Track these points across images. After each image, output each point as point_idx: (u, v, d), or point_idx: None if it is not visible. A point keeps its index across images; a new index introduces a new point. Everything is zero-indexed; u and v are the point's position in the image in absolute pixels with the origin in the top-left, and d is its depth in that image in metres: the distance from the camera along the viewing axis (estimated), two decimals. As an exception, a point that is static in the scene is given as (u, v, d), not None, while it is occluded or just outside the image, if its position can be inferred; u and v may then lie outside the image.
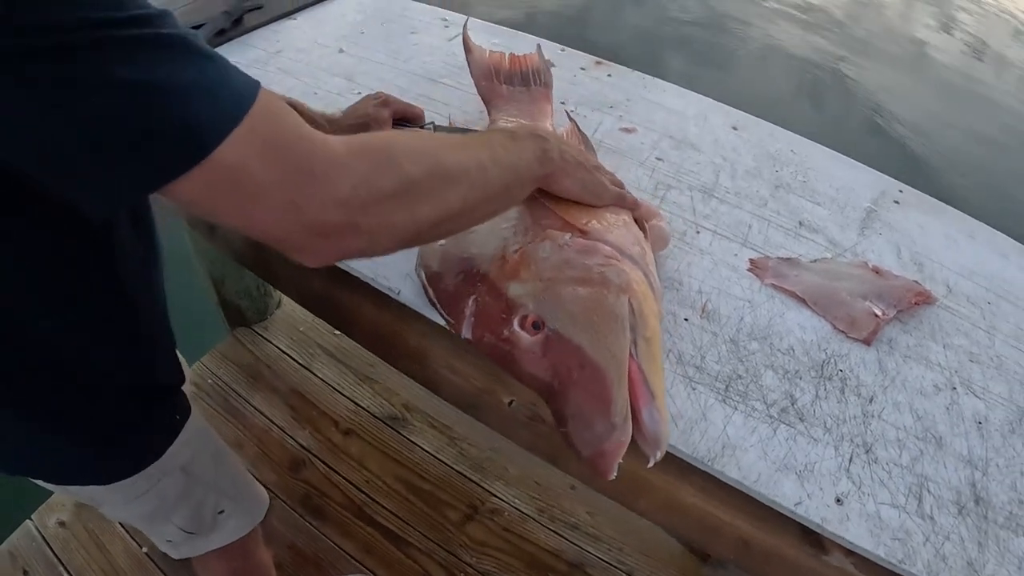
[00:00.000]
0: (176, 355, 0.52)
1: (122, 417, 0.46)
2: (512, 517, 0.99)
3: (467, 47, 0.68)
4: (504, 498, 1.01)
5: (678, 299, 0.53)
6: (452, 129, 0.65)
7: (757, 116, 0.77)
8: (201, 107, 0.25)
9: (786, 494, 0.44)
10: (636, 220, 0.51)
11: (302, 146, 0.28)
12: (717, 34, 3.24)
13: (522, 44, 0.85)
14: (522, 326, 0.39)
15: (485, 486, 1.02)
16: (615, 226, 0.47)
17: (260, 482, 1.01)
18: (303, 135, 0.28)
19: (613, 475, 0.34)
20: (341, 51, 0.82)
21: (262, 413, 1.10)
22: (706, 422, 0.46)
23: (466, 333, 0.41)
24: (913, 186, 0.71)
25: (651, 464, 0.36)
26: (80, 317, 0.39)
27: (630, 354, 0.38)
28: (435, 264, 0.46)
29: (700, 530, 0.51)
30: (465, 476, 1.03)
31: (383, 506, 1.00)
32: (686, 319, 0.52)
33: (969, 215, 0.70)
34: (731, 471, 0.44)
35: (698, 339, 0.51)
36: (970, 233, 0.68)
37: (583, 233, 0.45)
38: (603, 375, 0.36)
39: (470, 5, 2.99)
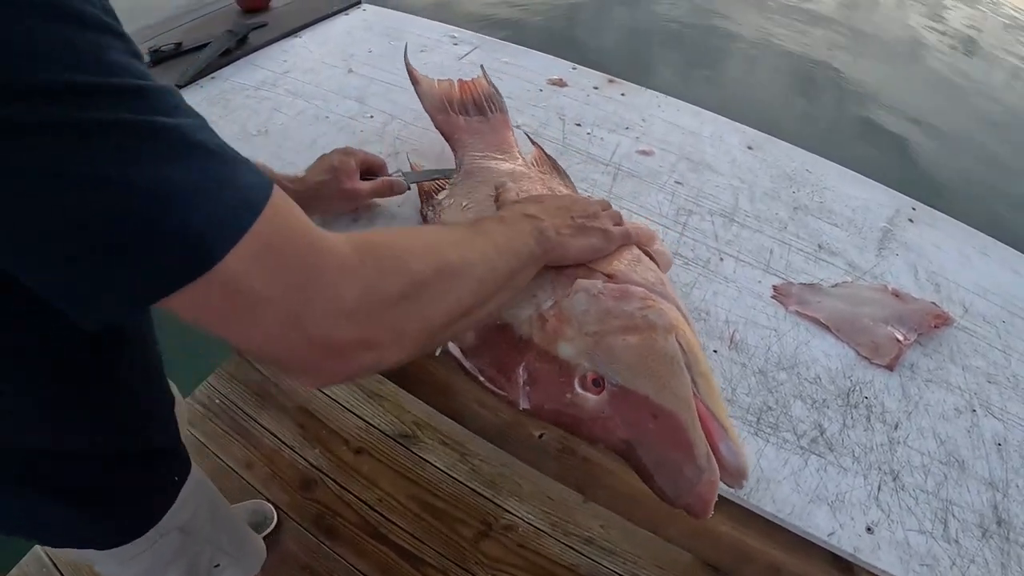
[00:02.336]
0: (173, 415, 0.50)
1: (120, 485, 0.44)
2: (526, 533, 0.99)
3: (413, 78, 0.65)
4: (517, 514, 1.01)
5: (706, 330, 0.53)
6: (421, 173, 0.62)
7: (752, 117, 0.78)
8: (204, 214, 0.22)
9: (819, 525, 0.44)
10: (641, 249, 0.50)
11: (312, 251, 0.25)
12: (707, 35, 3.24)
13: (532, 62, 0.85)
14: (583, 386, 0.38)
15: (498, 502, 1.02)
16: (634, 263, 0.46)
17: (271, 502, 1.01)
18: (312, 239, 0.26)
19: (711, 514, 0.34)
20: (350, 71, 0.81)
21: (271, 432, 1.08)
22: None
23: (524, 404, 0.39)
24: (911, 187, 0.73)
25: (736, 492, 0.37)
26: (80, 407, 0.38)
27: (693, 392, 0.37)
28: (469, 337, 0.44)
29: (732, 557, 0.51)
30: (478, 493, 1.03)
31: (397, 524, 0.99)
32: (715, 351, 0.52)
33: (967, 213, 0.72)
34: (766, 505, 0.45)
35: (728, 371, 0.51)
36: (983, 250, 0.69)
37: (610, 277, 0.44)
38: (678, 421, 0.36)
39: (457, 14, 2.96)
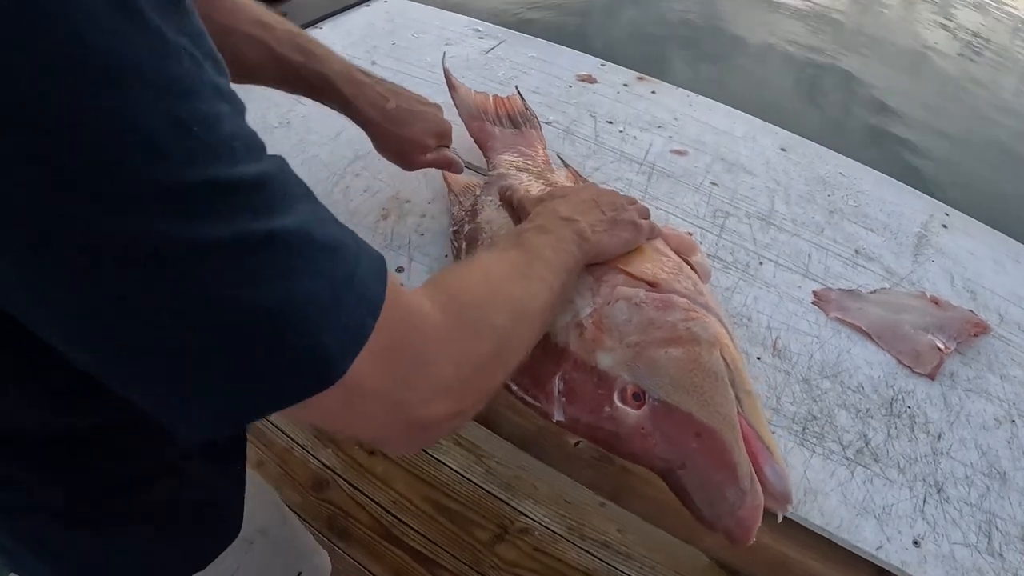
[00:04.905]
0: None
1: (200, 484, 0.41)
2: (543, 536, 0.98)
3: (450, 84, 0.64)
4: (534, 517, 1.00)
5: (748, 336, 0.52)
6: (478, 167, 0.60)
7: (760, 115, 0.77)
8: (329, 327, 0.20)
9: (867, 538, 0.44)
10: (683, 258, 0.49)
11: (410, 325, 0.24)
12: (717, 33, 3.23)
13: (560, 57, 0.83)
14: (623, 400, 0.36)
15: (514, 505, 1.01)
16: (677, 272, 0.45)
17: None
18: (409, 310, 0.24)
19: (752, 540, 0.33)
20: (374, 63, 0.79)
21: (283, 432, 1.07)
22: (787, 467, 0.45)
23: (559, 416, 0.38)
24: (934, 192, 0.72)
25: (780, 520, 0.35)
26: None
27: (737, 411, 0.36)
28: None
29: (770, 569, 0.50)
30: (494, 495, 1.02)
31: (411, 527, 0.98)
32: (759, 358, 0.51)
33: (991, 219, 0.71)
34: (815, 518, 0.44)
35: (772, 379, 0.50)
36: (1015, 257, 0.68)
37: (653, 286, 0.42)
38: (721, 440, 0.34)
39: (466, 6, 2.93)
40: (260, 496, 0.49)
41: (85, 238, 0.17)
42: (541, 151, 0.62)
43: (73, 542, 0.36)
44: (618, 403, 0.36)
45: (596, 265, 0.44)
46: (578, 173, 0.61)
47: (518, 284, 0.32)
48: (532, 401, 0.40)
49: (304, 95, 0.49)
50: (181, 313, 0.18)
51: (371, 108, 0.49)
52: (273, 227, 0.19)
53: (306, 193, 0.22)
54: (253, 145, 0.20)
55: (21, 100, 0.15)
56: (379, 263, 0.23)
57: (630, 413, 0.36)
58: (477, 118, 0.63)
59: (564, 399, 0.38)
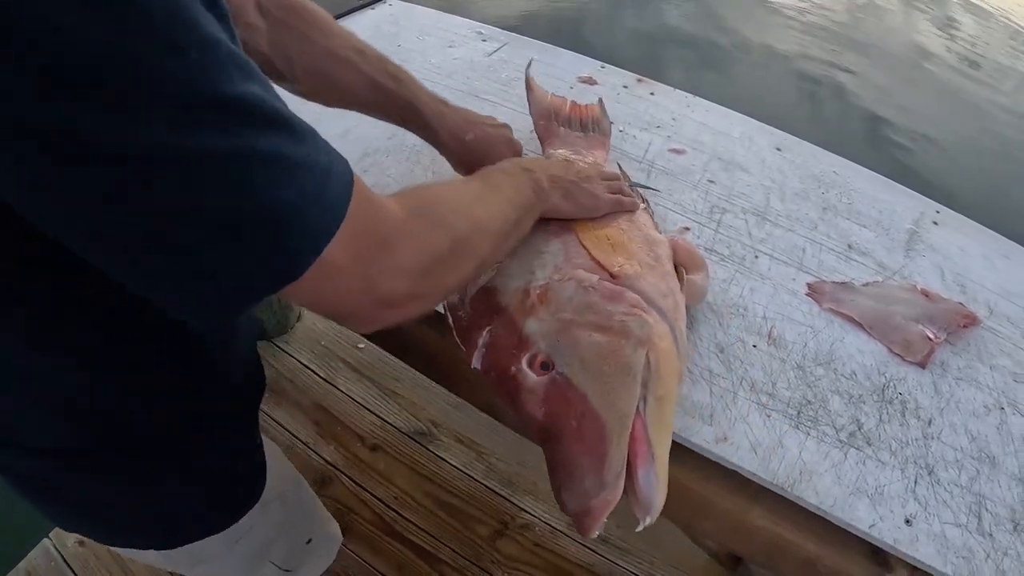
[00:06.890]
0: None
1: (232, 440, 0.44)
2: (543, 532, 0.99)
3: (529, 87, 0.68)
4: (534, 512, 1.01)
5: (745, 326, 0.54)
6: None
7: (756, 116, 0.79)
8: (298, 232, 0.24)
9: (860, 517, 0.45)
10: (676, 269, 0.49)
11: (374, 218, 0.28)
12: (715, 38, 3.27)
13: (561, 60, 0.86)
14: (530, 365, 0.38)
15: (515, 501, 1.02)
16: (649, 273, 0.45)
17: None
18: (376, 210, 0.28)
19: (595, 534, 0.33)
20: (380, 65, 0.81)
21: (286, 429, 1.08)
22: (783, 448, 0.47)
23: (475, 363, 0.40)
24: (925, 191, 0.74)
25: (639, 529, 0.34)
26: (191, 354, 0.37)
27: (637, 411, 0.35)
28: (455, 292, 0.45)
29: (766, 551, 0.51)
30: (494, 491, 1.03)
31: (413, 523, 0.99)
32: (754, 346, 0.53)
33: (981, 218, 0.73)
34: (810, 496, 0.45)
35: (767, 366, 0.51)
36: (1005, 254, 0.70)
37: (613, 277, 0.43)
38: (602, 429, 0.34)
39: (468, 6, 2.97)
40: (276, 461, 0.50)
41: (105, 142, 0.19)
42: (600, 154, 0.64)
43: (108, 494, 0.38)
44: (523, 366, 0.38)
45: (571, 247, 0.45)
46: (628, 177, 0.62)
47: (478, 204, 0.36)
48: (460, 345, 0.42)
49: (388, 120, 0.53)
50: (176, 214, 0.21)
51: (452, 139, 0.54)
52: (259, 144, 0.22)
53: (287, 114, 0.25)
54: (246, 67, 0.23)
55: (38, 24, 0.17)
56: (347, 176, 0.27)
57: (530, 377, 0.37)
58: (545, 117, 0.66)
59: (484, 351, 0.41)
